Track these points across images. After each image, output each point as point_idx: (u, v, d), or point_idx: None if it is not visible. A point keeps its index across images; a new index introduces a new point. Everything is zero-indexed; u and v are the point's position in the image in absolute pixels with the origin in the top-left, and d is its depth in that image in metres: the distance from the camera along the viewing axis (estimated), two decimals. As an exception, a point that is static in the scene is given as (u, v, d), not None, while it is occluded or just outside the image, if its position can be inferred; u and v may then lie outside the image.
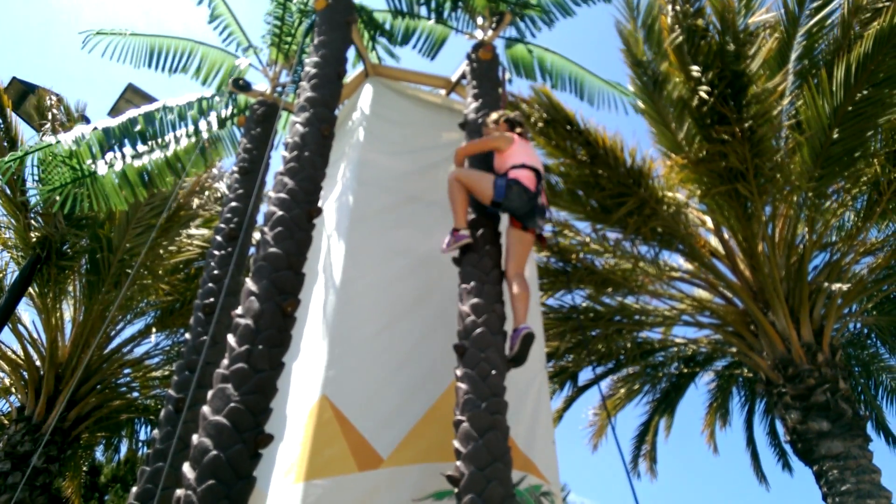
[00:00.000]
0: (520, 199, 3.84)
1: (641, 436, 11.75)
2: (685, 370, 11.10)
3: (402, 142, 5.09)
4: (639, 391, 11.18)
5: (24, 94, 8.68)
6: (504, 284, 3.79)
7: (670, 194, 8.35)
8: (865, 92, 6.21)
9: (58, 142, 5.47)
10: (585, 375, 11.02)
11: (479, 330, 3.37)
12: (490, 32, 5.91)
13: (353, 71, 5.94)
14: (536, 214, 3.89)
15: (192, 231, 9.71)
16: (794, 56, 7.28)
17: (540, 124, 7.96)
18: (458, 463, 2.90)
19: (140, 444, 12.22)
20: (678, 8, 6.60)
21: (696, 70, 6.57)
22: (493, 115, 4.49)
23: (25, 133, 8.75)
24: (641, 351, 10.32)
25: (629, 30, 7.52)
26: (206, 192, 9.88)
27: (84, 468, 13.31)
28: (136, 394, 10.76)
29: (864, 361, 10.88)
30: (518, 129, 4.32)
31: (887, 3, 6.57)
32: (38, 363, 9.18)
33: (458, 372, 3.24)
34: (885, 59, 6.01)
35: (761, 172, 7.02)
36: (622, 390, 11.17)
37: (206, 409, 2.78)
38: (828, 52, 7.09)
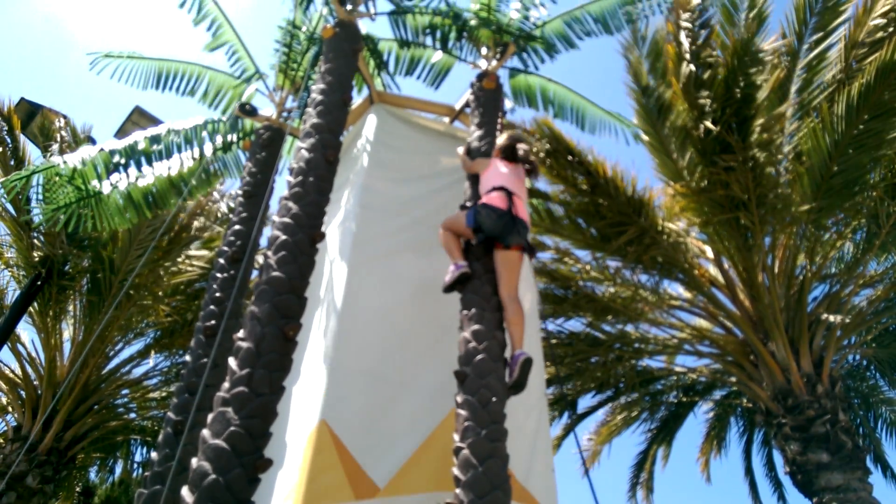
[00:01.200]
0: (489, 219, 3.92)
1: (639, 464, 11.66)
2: (684, 399, 11.06)
3: (405, 168, 5.15)
4: (636, 418, 11.13)
5: (31, 114, 8.78)
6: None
7: (670, 224, 8.39)
8: (865, 125, 6.28)
9: (64, 162, 5.53)
10: (585, 402, 11.00)
11: (479, 356, 3.37)
12: (494, 62, 6.02)
13: (358, 97, 6.03)
14: (513, 230, 3.92)
15: (193, 252, 9.74)
16: (794, 88, 7.37)
17: (542, 154, 8.03)
18: (458, 490, 2.89)
19: (135, 466, 12.13)
20: (685, 36, 6.69)
21: (703, 97, 6.63)
22: (500, 140, 4.64)
23: (32, 153, 8.78)
24: (641, 379, 10.28)
25: (634, 58, 7.61)
26: (207, 214, 9.92)
27: (77, 489, 13.18)
28: (133, 415, 10.71)
29: (864, 394, 10.82)
30: (521, 155, 4.46)
31: (884, 35, 6.68)
32: (35, 382, 9.15)
33: (459, 398, 3.24)
34: (885, 92, 6.09)
35: (763, 202, 7.07)
36: (619, 417, 11.13)
37: (205, 432, 2.78)
38: (829, 85, 7.18)
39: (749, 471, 12.04)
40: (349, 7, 5.35)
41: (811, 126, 6.53)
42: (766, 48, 6.86)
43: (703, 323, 9.31)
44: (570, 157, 7.94)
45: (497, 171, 4.30)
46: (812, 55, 7.20)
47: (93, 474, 13.67)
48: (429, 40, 6.45)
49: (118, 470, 12.99)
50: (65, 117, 8.93)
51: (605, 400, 10.91)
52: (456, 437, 3.10)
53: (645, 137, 7.79)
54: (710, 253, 8.77)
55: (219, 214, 10.00)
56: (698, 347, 9.12)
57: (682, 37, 6.71)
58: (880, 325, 9.11)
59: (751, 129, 6.73)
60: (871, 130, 6.36)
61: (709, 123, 6.65)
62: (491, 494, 2.84)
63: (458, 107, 6.10)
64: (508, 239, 3.92)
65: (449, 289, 3.92)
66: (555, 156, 7.97)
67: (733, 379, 8.98)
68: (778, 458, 11.40)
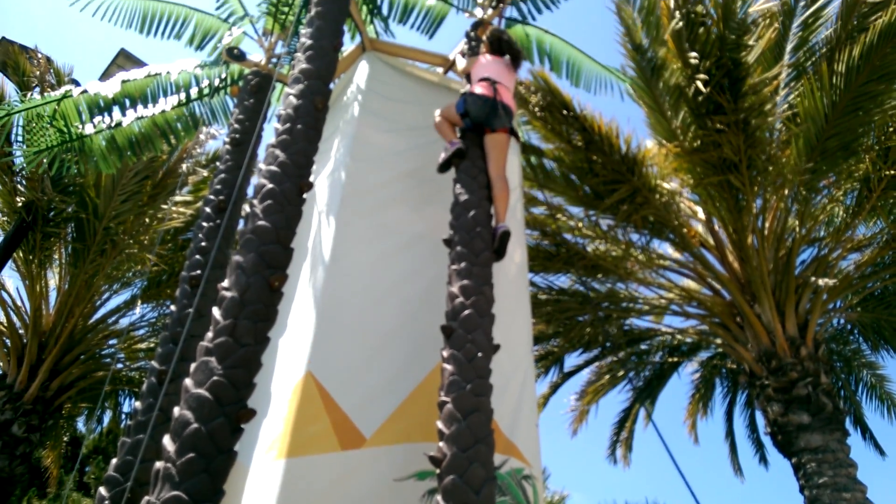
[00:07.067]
0: (475, 105, 4.26)
1: (621, 423, 11.85)
2: (669, 360, 11.18)
3: (397, 119, 5.01)
4: (623, 378, 11.25)
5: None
6: (492, 267, 3.77)
7: (663, 183, 8.34)
8: (865, 87, 6.19)
9: (46, 101, 5.34)
10: (572, 361, 11.09)
11: (466, 312, 3.33)
12: (490, 11, 5.83)
13: (349, 45, 5.85)
14: (497, 115, 4.25)
15: (180, 198, 9.59)
16: (789, 47, 7.25)
17: (537, 109, 7.90)
18: (441, 444, 2.88)
19: (123, 416, 12.17)
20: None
21: (694, 58, 6.51)
22: (484, 37, 5.03)
23: (12, 94, 8.53)
24: (628, 339, 10.36)
25: (628, 14, 7.42)
26: (189, 156, 9.70)
27: (65, 439, 13.24)
28: (120, 365, 10.69)
29: (846, 357, 10.98)
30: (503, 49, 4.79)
31: None
32: (21, 331, 9.08)
33: (445, 353, 3.21)
34: (889, 53, 5.98)
35: (754, 164, 7.01)
36: (606, 377, 11.24)
37: (188, 381, 2.73)
38: (825, 44, 7.06)
39: (730, 432, 12.28)
40: (341, -51, 5.12)
41: (808, 87, 6.43)
42: (760, 7, 6.73)
43: (691, 284, 9.35)
44: (564, 112, 7.82)
45: (482, 64, 4.65)
46: (808, 12, 7.06)
47: (81, 425, 13.72)
48: (424, -14, 6.24)
49: (106, 420, 13.05)
50: (48, 58, 8.66)
51: (592, 359, 11.01)
52: (441, 391, 3.09)
53: (638, 95, 7.66)
54: (701, 214, 8.75)
55: (203, 159, 9.80)
56: (686, 308, 9.17)
57: None
58: (866, 289, 9.17)
59: (742, 91, 6.63)
60: (870, 93, 6.28)
61: (700, 84, 6.53)
62: (474, 448, 2.83)
63: (452, 57, 5.92)
64: (494, 123, 4.24)
65: (444, 167, 4.17)
66: (549, 110, 7.84)
67: (719, 340, 9.05)
68: (760, 420, 11.60)
